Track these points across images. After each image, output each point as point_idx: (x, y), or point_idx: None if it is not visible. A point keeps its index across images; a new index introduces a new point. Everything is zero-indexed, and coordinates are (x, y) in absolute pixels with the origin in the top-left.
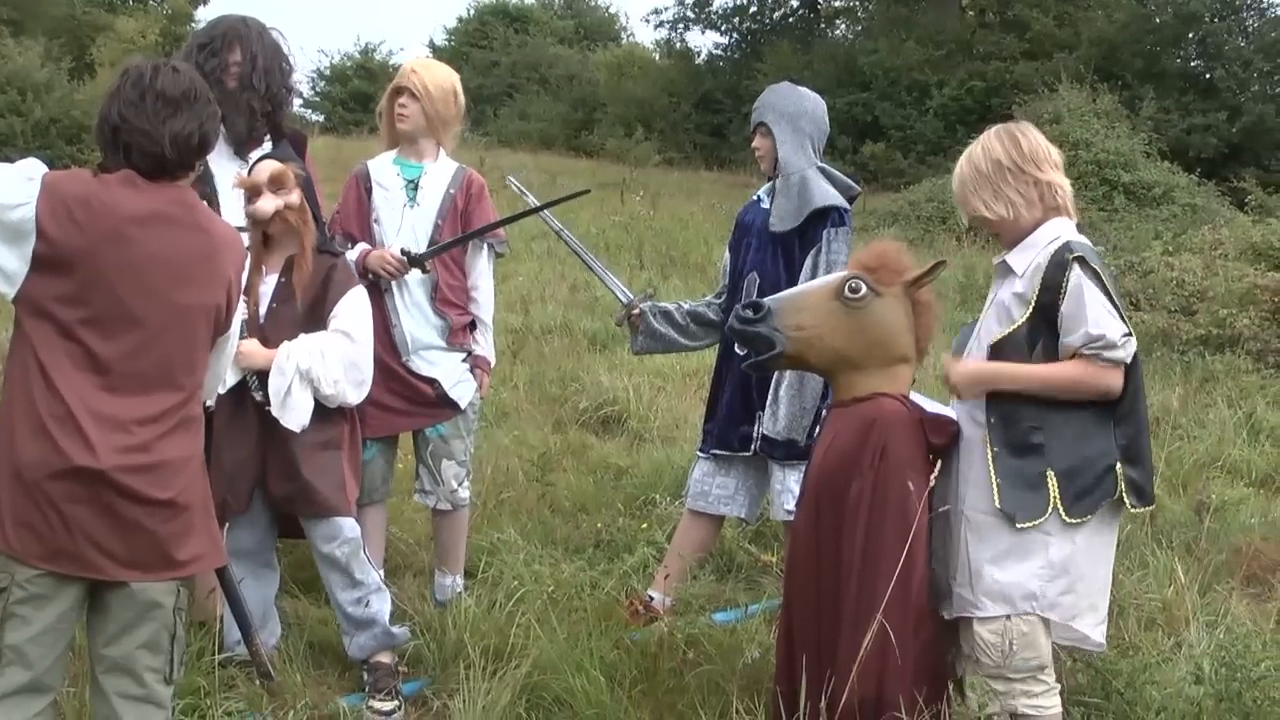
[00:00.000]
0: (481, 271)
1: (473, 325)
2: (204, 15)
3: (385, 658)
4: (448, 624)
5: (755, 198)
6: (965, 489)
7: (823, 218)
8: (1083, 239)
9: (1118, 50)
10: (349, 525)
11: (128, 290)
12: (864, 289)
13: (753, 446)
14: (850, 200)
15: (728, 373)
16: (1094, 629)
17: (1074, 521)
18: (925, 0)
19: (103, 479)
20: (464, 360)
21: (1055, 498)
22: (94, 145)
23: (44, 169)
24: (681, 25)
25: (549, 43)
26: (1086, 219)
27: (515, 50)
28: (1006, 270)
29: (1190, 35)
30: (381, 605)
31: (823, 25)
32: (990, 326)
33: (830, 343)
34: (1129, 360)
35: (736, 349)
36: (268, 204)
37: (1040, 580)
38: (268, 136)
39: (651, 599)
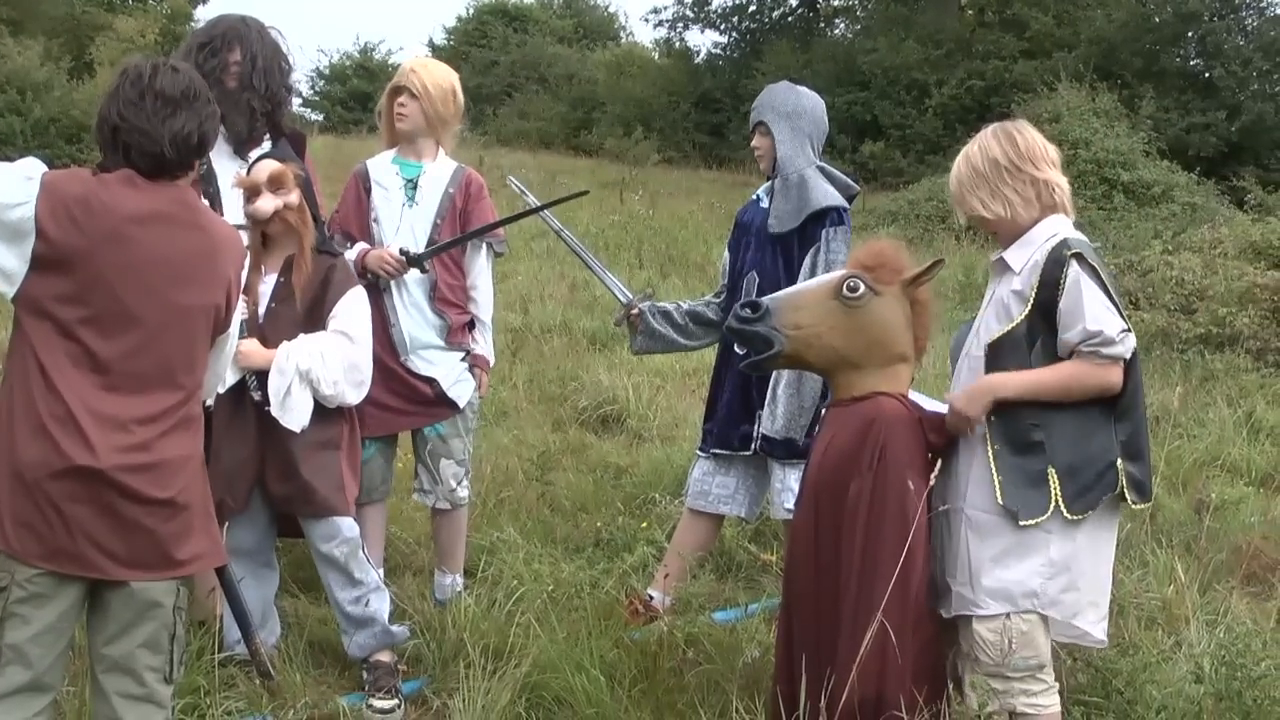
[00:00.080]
0: (480, 271)
1: (471, 324)
2: (203, 15)
3: (385, 657)
4: (447, 623)
5: (755, 197)
6: (966, 487)
7: (822, 217)
8: (1080, 236)
9: (1117, 49)
10: (347, 525)
11: (127, 290)
12: (862, 288)
13: (753, 446)
14: (849, 199)
15: (727, 372)
16: (1095, 626)
17: (1075, 518)
18: None
19: (103, 478)
20: (463, 359)
21: (1057, 495)
22: (93, 144)
23: (43, 168)
24: (681, 24)
25: (548, 42)
26: (1086, 218)
27: (514, 50)
28: (1004, 267)
29: (1189, 34)
30: (381, 604)
31: (822, 24)
32: (989, 324)
33: (829, 342)
34: (1128, 356)
35: (736, 348)
36: (267, 204)
37: (1041, 578)
38: (267, 136)
39: (651, 598)
